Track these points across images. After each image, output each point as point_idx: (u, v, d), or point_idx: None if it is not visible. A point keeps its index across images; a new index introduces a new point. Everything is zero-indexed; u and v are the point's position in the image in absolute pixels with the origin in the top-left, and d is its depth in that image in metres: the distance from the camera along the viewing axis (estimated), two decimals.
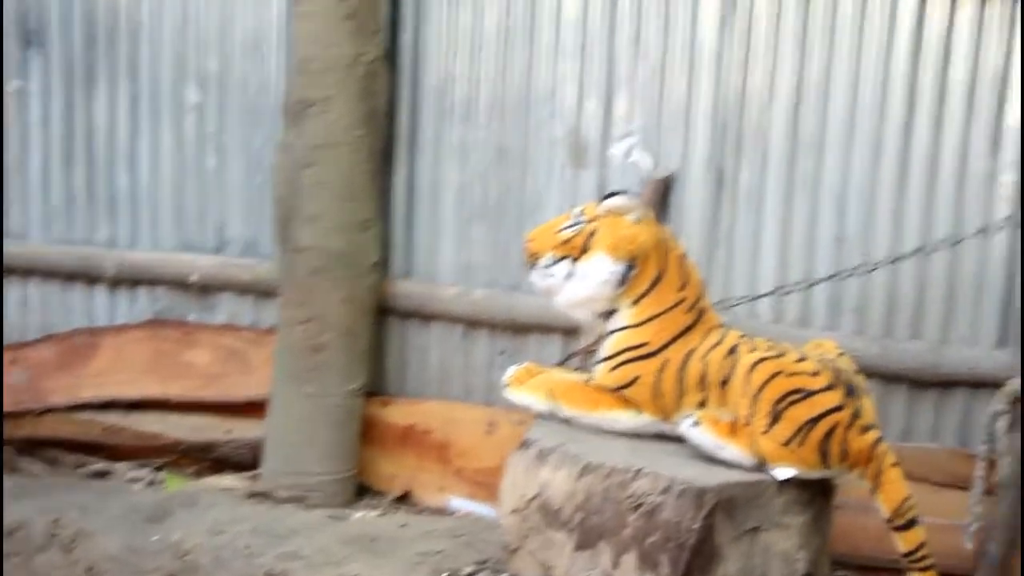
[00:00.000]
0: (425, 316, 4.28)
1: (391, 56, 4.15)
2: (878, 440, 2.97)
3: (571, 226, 3.14)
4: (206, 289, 4.43)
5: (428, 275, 4.27)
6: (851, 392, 2.98)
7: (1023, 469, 3.55)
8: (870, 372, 3.73)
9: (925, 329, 3.82)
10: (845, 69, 3.78)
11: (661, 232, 3.17)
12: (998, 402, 3.62)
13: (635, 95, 3.97)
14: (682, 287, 3.14)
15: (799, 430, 2.92)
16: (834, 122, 3.80)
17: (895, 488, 2.98)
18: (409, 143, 4.21)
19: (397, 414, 4.29)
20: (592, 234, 3.11)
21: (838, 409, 2.94)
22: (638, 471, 2.89)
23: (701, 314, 3.16)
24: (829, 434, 2.93)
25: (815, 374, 2.97)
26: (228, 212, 4.44)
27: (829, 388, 2.95)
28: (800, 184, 3.85)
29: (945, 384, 3.81)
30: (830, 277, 3.74)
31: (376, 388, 4.32)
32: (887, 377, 3.83)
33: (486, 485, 4.00)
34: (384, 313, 4.28)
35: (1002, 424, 3.62)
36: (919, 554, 3.00)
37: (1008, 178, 3.66)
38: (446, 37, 4.13)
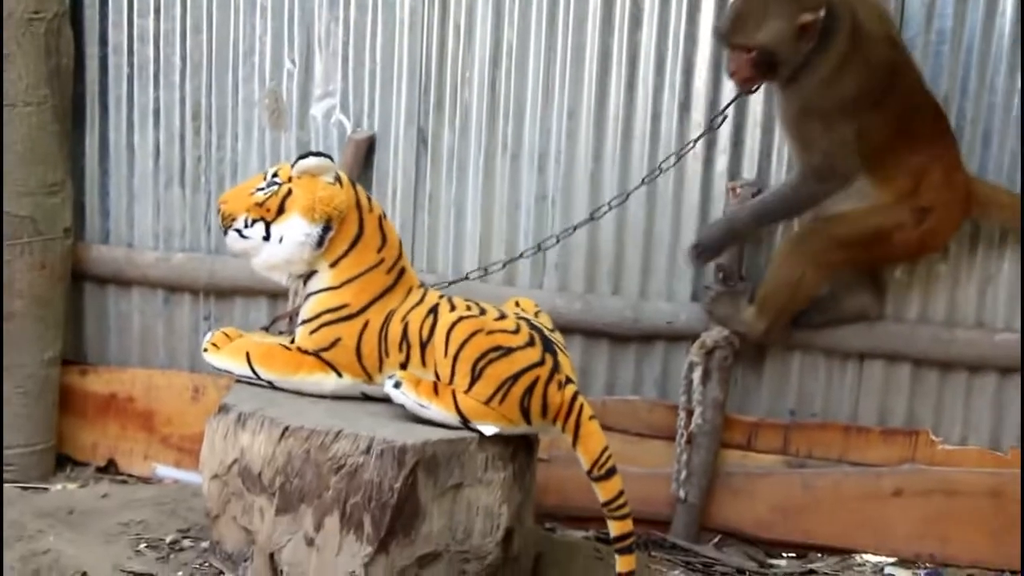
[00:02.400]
0: (124, 282, 4.15)
1: (76, 13, 3.97)
2: (576, 394, 3.03)
3: (265, 187, 3.08)
4: None
5: (126, 240, 4.13)
6: (549, 348, 3.03)
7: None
8: (573, 328, 3.86)
9: (625, 285, 3.91)
10: (540, 34, 3.82)
11: (359, 193, 3.15)
12: (693, 354, 3.77)
13: (335, 56, 3.93)
14: (381, 248, 3.13)
15: (500, 387, 2.96)
16: (532, 87, 3.84)
17: (593, 440, 3.05)
18: (100, 104, 4.06)
19: (98, 382, 4.17)
20: (287, 195, 3.06)
21: (538, 365, 2.99)
22: (338, 432, 2.89)
23: (401, 274, 3.16)
24: (529, 390, 2.97)
25: (515, 332, 3.01)
26: None
27: (528, 345, 3.00)
28: (501, 147, 3.88)
29: (645, 338, 3.92)
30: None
31: (74, 357, 4.18)
32: (590, 333, 3.92)
33: (192, 452, 3.91)
34: (80, 279, 4.13)
35: (697, 375, 3.77)
36: (617, 503, 3.08)
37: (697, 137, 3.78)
38: None
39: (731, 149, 3.77)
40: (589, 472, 3.07)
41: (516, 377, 2.96)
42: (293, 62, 3.95)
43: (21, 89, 3.79)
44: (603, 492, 3.08)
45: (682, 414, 3.80)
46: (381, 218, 3.16)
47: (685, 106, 3.77)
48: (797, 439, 3.86)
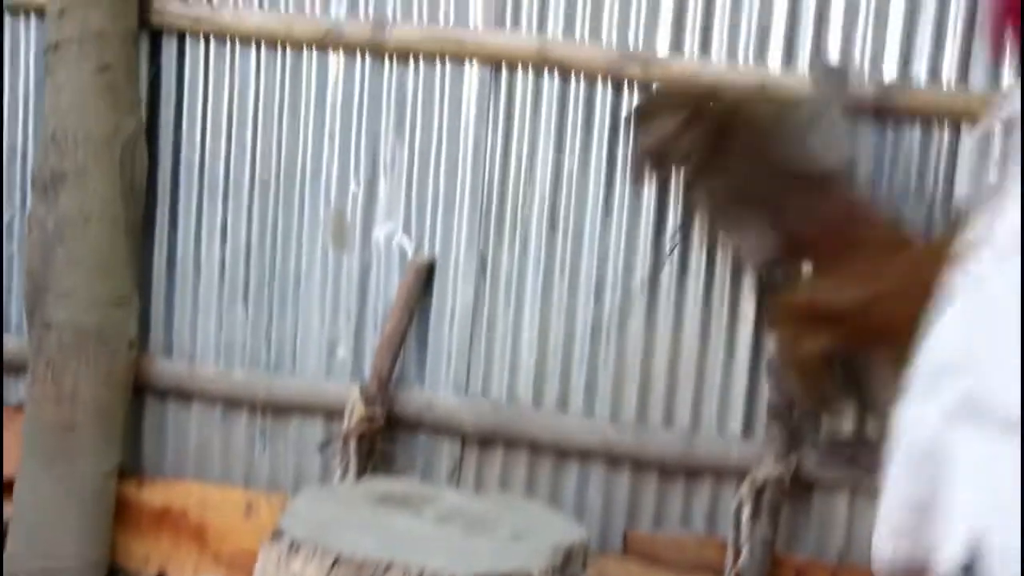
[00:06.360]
0: (184, 395, 4.19)
1: (151, 131, 4.08)
2: None
3: None
4: None
5: (188, 353, 4.19)
6: None
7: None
8: (624, 457, 3.88)
9: (676, 418, 3.91)
10: (600, 165, 3.88)
11: None
12: (743, 491, 3.76)
13: (399, 179, 4.00)
14: None
15: None
16: (590, 216, 3.90)
17: None
18: (170, 219, 4.14)
19: (153, 495, 4.18)
20: None
21: None
22: (388, 564, 2.89)
23: None
24: None
25: None
26: None
27: None
28: (559, 272, 3.93)
29: (694, 472, 3.91)
30: None
31: (131, 468, 4.20)
32: (640, 464, 3.92)
33: (244, 567, 3.90)
34: (141, 391, 4.18)
35: (746, 513, 3.75)
36: None
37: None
38: (208, 114, 4.08)
39: None
40: None
41: None
42: (358, 184, 4.04)
43: (95, 203, 3.88)
44: None
45: (731, 551, 3.78)
46: None
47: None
48: None
